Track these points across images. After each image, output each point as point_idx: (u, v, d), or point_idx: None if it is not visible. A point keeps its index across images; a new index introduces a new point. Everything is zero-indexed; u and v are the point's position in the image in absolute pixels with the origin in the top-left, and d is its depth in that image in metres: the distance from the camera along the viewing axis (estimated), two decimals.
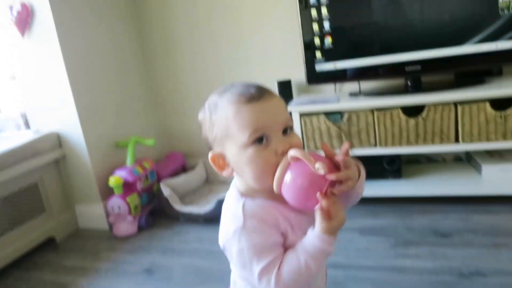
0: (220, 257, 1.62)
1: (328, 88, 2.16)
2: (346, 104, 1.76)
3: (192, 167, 2.39)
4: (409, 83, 1.83)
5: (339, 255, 1.51)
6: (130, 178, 1.96)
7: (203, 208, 1.91)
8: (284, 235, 0.66)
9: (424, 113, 1.65)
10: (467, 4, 1.68)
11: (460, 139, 1.64)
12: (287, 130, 0.66)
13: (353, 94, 1.89)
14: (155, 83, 2.51)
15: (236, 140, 0.64)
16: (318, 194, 0.60)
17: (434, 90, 1.69)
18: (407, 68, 1.76)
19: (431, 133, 1.66)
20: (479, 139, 1.61)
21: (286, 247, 0.66)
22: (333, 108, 1.77)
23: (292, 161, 0.61)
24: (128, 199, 1.93)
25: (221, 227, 0.71)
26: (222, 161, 0.69)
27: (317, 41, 1.86)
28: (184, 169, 2.44)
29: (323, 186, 0.60)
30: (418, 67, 1.75)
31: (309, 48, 1.87)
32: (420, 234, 1.58)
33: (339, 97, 1.89)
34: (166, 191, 2.02)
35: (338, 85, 2.13)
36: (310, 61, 1.89)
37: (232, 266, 0.77)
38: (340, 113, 1.79)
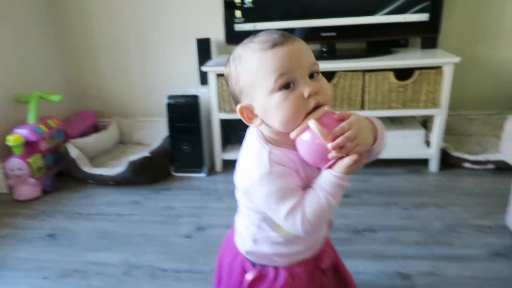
0: (128, 220, 1.61)
1: None
2: None
3: (105, 127, 2.27)
4: (324, 49, 1.86)
5: None
6: (32, 137, 1.81)
7: (113, 170, 1.84)
8: (302, 181, 0.69)
9: (335, 80, 1.70)
10: None
11: (365, 106, 1.73)
12: (313, 74, 0.66)
13: None
14: (66, 36, 2.29)
15: (263, 88, 0.65)
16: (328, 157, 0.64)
17: (346, 57, 1.74)
18: (323, 34, 1.79)
19: (340, 99, 1.73)
20: (382, 107, 1.71)
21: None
22: None
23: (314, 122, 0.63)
24: (30, 160, 1.79)
25: (243, 171, 0.73)
26: (250, 112, 0.69)
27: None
28: (96, 129, 2.32)
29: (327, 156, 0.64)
30: (334, 34, 1.78)
31: (229, 6, 1.82)
32: None
33: None
34: (73, 151, 1.90)
35: None
36: (229, 20, 1.84)
37: (244, 212, 0.80)
38: None
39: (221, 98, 1.81)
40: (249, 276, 0.79)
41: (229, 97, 1.80)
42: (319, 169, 0.70)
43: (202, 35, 2.06)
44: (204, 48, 2.04)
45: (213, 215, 1.59)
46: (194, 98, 1.81)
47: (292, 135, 0.66)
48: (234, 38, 1.86)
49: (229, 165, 1.98)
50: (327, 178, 0.67)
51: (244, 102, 0.69)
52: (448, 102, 1.70)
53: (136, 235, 1.49)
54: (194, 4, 2.12)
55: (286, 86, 0.64)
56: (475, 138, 2.05)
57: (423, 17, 1.71)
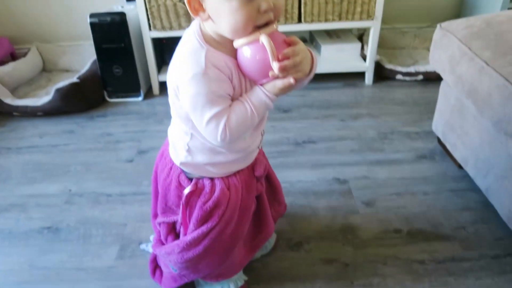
0: (64, 150, 1.53)
1: None
2: None
3: (23, 54, 2.05)
4: None
5: None
6: None
7: (40, 100, 1.70)
8: (233, 90, 0.68)
9: None
10: None
11: (302, 19, 1.69)
12: None
13: None
14: None
15: None
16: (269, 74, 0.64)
17: None
18: None
19: None
20: (319, 19, 1.69)
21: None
22: None
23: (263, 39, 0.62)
24: None
25: (176, 68, 0.69)
26: (198, 4, 0.64)
27: None
28: (13, 57, 2.08)
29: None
30: None
31: None
32: None
33: None
34: None
35: None
36: None
37: (177, 121, 0.78)
38: None
39: (151, 14, 1.68)
40: (186, 191, 0.79)
41: (160, 13, 1.68)
42: (251, 83, 0.70)
43: None
44: None
45: (154, 138, 1.56)
46: (120, 15, 1.66)
47: (237, 43, 0.64)
48: None
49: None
50: (258, 94, 0.68)
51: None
52: (382, 14, 1.71)
53: (74, 164, 1.44)
54: None
55: None
56: (407, 51, 2.13)
57: None
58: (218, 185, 0.80)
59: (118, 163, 1.43)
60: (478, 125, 1.13)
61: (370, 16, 1.69)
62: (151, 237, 1.08)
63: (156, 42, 1.84)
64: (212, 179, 0.80)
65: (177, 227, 0.89)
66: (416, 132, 1.53)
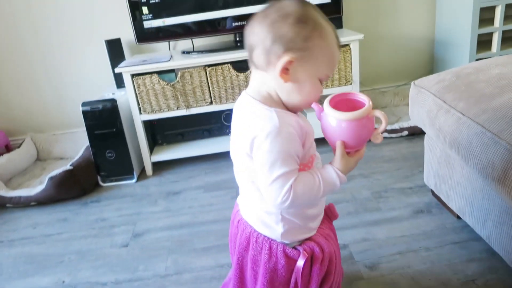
0: (57, 239, 1.50)
1: (163, 47, 2.10)
2: (178, 62, 1.73)
3: (18, 146, 2.10)
4: (237, 38, 1.88)
5: (184, 214, 1.54)
6: None
7: (33, 189, 1.70)
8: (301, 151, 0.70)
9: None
10: None
11: None
12: None
13: (186, 52, 1.86)
14: None
15: (318, 68, 0.69)
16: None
17: None
18: (234, 24, 1.80)
19: None
20: None
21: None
22: (164, 66, 1.71)
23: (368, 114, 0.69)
24: None
25: (251, 124, 0.69)
26: (286, 70, 0.67)
27: None
28: (8, 148, 2.13)
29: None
30: (244, 23, 1.80)
31: (134, 5, 1.76)
32: None
33: (172, 56, 1.84)
34: None
35: (172, 43, 2.07)
36: (137, 18, 1.78)
37: (255, 195, 0.75)
38: (174, 72, 1.76)
39: (141, 98, 1.75)
40: (301, 262, 0.74)
41: (149, 97, 1.75)
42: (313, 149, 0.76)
43: (112, 36, 1.98)
44: (115, 49, 1.96)
45: (149, 220, 1.54)
46: (112, 102, 1.73)
47: (349, 116, 0.68)
48: (144, 36, 1.81)
49: (160, 167, 1.93)
50: (329, 172, 0.71)
51: (293, 55, 0.66)
52: (359, 77, 1.80)
53: (68, 254, 1.40)
54: (99, 5, 2.03)
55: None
56: (389, 109, 2.20)
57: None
58: (322, 241, 0.78)
59: (113, 249, 1.40)
60: (466, 173, 1.14)
61: (348, 81, 1.78)
62: None
63: (147, 124, 1.90)
64: (310, 238, 0.78)
65: None
66: (409, 187, 1.53)
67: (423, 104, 1.24)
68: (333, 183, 0.70)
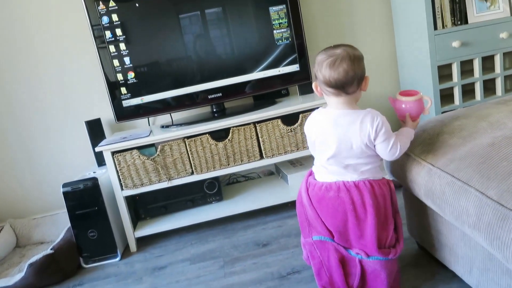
0: None
1: (143, 122, 2.15)
2: (157, 136, 1.77)
3: None
4: (214, 109, 1.95)
5: None
6: None
7: (12, 279, 1.63)
8: None
9: (229, 136, 1.78)
10: (250, 37, 1.90)
11: (264, 155, 1.82)
12: None
13: (165, 126, 1.92)
14: None
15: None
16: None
17: (236, 114, 1.85)
18: (210, 96, 1.88)
19: (239, 153, 1.80)
20: (279, 153, 1.82)
21: None
22: (144, 142, 1.75)
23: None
24: None
25: (371, 125, 1.10)
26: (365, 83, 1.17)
27: (120, 76, 1.83)
28: None
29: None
30: (219, 95, 1.89)
31: (113, 84, 1.83)
32: (245, 249, 1.68)
33: (151, 131, 1.89)
34: None
35: (152, 118, 2.13)
36: (116, 98, 1.85)
37: (356, 154, 1.13)
38: (154, 146, 1.79)
39: (122, 174, 1.77)
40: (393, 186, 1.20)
41: (130, 173, 1.77)
42: None
43: (92, 116, 2.03)
44: (95, 129, 2.00)
45: None
46: (93, 180, 1.73)
47: (408, 99, 1.23)
48: (124, 114, 1.87)
49: (144, 242, 1.89)
50: (407, 130, 1.21)
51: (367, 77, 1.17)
52: None
53: None
54: (78, 87, 2.10)
55: None
56: None
57: (294, 67, 1.91)
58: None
59: None
60: (445, 222, 1.16)
61: None
62: None
63: (130, 199, 1.89)
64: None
65: None
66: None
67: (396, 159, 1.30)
68: (411, 135, 1.21)
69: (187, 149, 1.78)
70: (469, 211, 0.93)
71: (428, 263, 1.36)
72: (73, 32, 2.04)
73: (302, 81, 1.96)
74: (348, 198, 1.12)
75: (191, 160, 1.79)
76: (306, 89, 2.08)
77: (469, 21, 2.08)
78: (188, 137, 1.77)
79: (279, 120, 1.79)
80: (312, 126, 1.20)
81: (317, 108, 1.80)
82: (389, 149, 1.11)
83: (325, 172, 1.17)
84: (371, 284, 1.19)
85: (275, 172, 2.25)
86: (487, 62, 2.10)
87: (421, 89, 2.11)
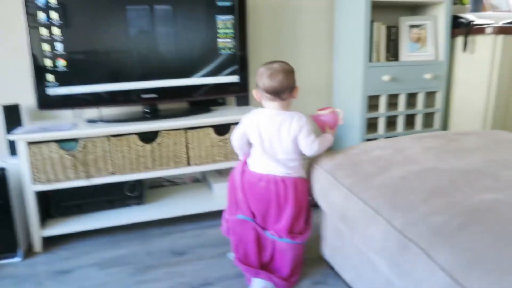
0: None
1: (69, 114, 2.02)
2: (81, 131, 1.67)
3: None
4: (146, 110, 1.89)
5: None
6: None
7: None
8: None
9: (159, 139, 1.73)
10: (194, 42, 1.87)
11: (191, 162, 1.79)
12: None
13: (92, 121, 1.81)
14: None
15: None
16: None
17: (168, 117, 1.80)
18: (144, 96, 1.82)
19: (166, 157, 1.75)
20: (207, 161, 1.80)
21: None
22: (65, 135, 1.64)
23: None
24: None
25: (297, 123, 1.33)
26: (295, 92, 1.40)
27: (49, 63, 1.70)
28: None
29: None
30: (154, 95, 1.83)
31: (39, 70, 1.70)
32: (159, 257, 1.62)
33: (75, 124, 1.78)
34: None
35: (78, 111, 2.01)
36: (41, 84, 1.71)
37: (289, 158, 1.36)
38: (76, 141, 1.68)
39: (35, 167, 1.63)
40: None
41: (45, 166, 1.64)
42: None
43: (11, 101, 1.86)
44: (13, 115, 1.84)
45: None
46: (0, 170, 1.58)
47: (324, 112, 1.47)
48: (48, 103, 1.74)
49: (53, 242, 1.75)
50: (327, 135, 1.43)
51: (297, 88, 1.40)
52: None
53: None
54: None
55: None
56: None
57: (234, 78, 1.91)
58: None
59: None
60: (355, 246, 1.21)
61: None
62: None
63: (42, 195, 1.75)
64: None
65: None
66: (309, 258, 1.57)
67: (318, 179, 1.34)
68: (329, 139, 1.43)
69: (111, 148, 1.69)
70: (376, 238, 0.97)
71: (335, 283, 1.41)
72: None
73: (241, 93, 1.96)
74: (275, 190, 1.34)
75: (114, 159, 1.70)
76: (244, 101, 2.09)
77: (400, 59, 2.24)
78: (114, 136, 1.69)
79: (211, 129, 1.78)
80: (251, 121, 1.40)
81: None
82: (310, 144, 1.34)
83: (260, 163, 1.38)
84: (278, 262, 1.41)
85: (201, 180, 2.22)
86: (411, 98, 2.26)
87: (350, 115, 2.22)
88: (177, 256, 1.62)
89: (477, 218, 0.86)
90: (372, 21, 2.08)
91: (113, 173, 1.73)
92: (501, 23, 2.26)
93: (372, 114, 2.14)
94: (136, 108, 1.98)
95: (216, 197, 1.97)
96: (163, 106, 1.98)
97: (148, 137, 1.73)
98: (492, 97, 2.08)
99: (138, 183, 1.86)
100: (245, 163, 1.44)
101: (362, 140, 2.12)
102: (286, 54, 2.32)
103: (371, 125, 2.21)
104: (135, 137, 1.70)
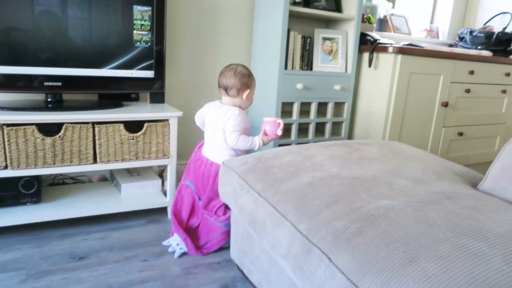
0: None
1: None
2: None
3: None
4: (49, 99, 1.73)
5: None
6: None
7: None
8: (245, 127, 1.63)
9: (61, 132, 1.59)
10: (107, 30, 1.75)
11: (98, 159, 1.68)
12: None
13: None
14: None
15: (253, 92, 1.66)
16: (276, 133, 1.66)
17: (75, 109, 1.67)
18: (47, 83, 1.67)
19: (70, 153, 1.62)
20: (116, 159, 1.71)
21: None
22: None
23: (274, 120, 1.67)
24: None
25: (227, 114, 1.58)
26: (243, 93, 1.62)
27: None
28: None
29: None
30: (58, 84, 1.68)
31: None
32: (56, 261, 1.49)
33: None
34: None
35: None
36: None
37: (220, 144, 1.61)
38: None
39: None
40: None
41: None
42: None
43: None
44: None
45: None
46: None
47: (268, 119, 1.65)
48: None
49: None
50: (256, 139, 1.61)
51: (247, 90, 1.62)
52: (178, 151, 1.85)
53: None
54: None
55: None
56: None
57: (149, 74, 1.84)
58: None
59: None
60: (263, 250, 1.24)
61: (165, 154, 1.80)
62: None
63: None
64: None
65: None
66: (218, 262, 1.57)
67: (230, 183, 1.34)
68: (255, 140, 1.61)
69: (4, 139, 1.52)
70: (282, 242, 1.01)
71: (243, 286, 1.43)
72: None
73: (155, 89, 1.89)
74: (203, 171, 1.61)
75: (7, 152, 1.53)
76: (159, 98, 2.03)
77: (314, 69, 2.35)
78: (9, 125, 1.52)
79: (122, 125, 1.69)
80: (207, 107, 1.68)
81: (167, 119, 1.79)
82: (228, 134, 1.57)
83: (204, 146, 1.67)
84: (200, 231, 1.66)
85: (109, 179, 2.10)
86: (322, 107, 2.39)
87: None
88: (77, 261, 1.51)
89: (372, 223, 0.93)
90: (289, 30, 2.16)
91: (5, 167, 1.55)
92: (401, 44, 2.50)
93: (286, 121, 2.22)
94: (38, 96, 1.81)
95: (124, 198, 1.87)
96: (69, 96, 1.84)
97: (49, 129, 1.59)
98: (391, 109, 2.29)
99: (36, 179, 1.70)
100: (201, 143, 1.73)
101: (275, 145, 2.19)
102: (206, 53, 2.31)
103: (285, 131, 2.28)
104: (34, 128, 1.55)
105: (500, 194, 1.18)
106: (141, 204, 1.85)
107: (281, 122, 1.63)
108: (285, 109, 2.27)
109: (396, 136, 2.37)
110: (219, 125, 1.58)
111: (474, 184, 1.30)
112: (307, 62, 2.38)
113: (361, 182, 1.15)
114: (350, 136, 2.55)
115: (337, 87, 2.32)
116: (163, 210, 1.94)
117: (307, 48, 2.36)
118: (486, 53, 2.76)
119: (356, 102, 2.50)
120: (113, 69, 1.77)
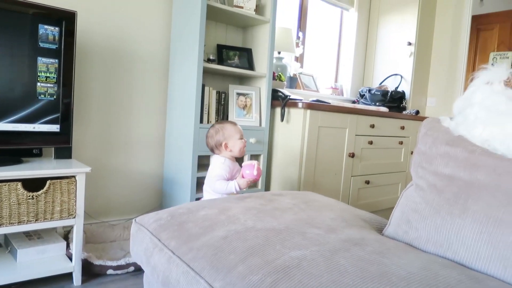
0: None
1: None
2: None
3: None
4: None
5: None
6: None
7: None
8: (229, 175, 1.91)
9: None
10: (9, 81, 1.64)
11: None
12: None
13: None
14: None
15: (235, 141, 1.92)
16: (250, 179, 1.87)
17: None
18: None
19: None
20: (11, 222, 1.53)
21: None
22: None
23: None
24: None
25: (212, 163, 1.93)
26: (227, 146, 1.89)
27: None
28: None
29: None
30: None
31: None
32: None
33: None
34: None
35: None
36: None
37: (207, 190, 1.92)
38: None
39: None
40: None
41: None
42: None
43: None
44: None
45: None
46: None
47: (245, 163, 1.85)
48: None
49: None
50: (232, 184, 1.82)
51: (226, 143, 1.90)
52: (84, 210, 1.72)
53: None
54: None
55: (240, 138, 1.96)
56: (117, 243, 2.14)
57: (54, 128, 1.73)
58: None
59: None
60: None
61: (71, 214, 1.66)
62: None
63: None
64: None
65: None
66: None
67: (141, 241, 1.27)
68: (231, 187, 1.81)
69: None
70: None
71: None
72: None
73: (60, 144, 1.78)
74: None
75: None
76: (65, 153, 1.90)
77: None
78: None
79: (19, 184, 1.53)
80: None
81: (73, 175, 1.66)
82: (209, 179, 1.86)
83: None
84: None
85: (2, 245, 1.86)
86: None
87: (181, 173, 2.24)
88: None
89: (287, 275, 0.93)
90: (203, 85, 2.21)
91: None
92: (310, 100, 2.68)
93: (202, 173, 2.20)
94: None
95: (20, 265, 1.66)
96: None
97: None
98: (303, 160, 2.40)
99: None
100: None
101: (192, 199, 2.14)
102: (120, 105, 2.25)
103: (200, 184, 2.26)
104: None
105: (402, 238, 1.27)
106: (41, 271, 1.65)
107: (256, 163, 1.83)
108: (202, 162, 2.26)
109: (311, 186, 2.47)
110: (209, 173, 1.89)
111: (380, 230, 1.38)
112: (222, 116, 2.43)
113: (276, 233, 1.16)
114: (267, 187, 2.60)
115: (252, 140, 2.38)
116: (68, 276, 1.75)
117: (222, 102, 2.42)
118: (384, 109, 3.07)
119: (272, 154, 2.58)
120: (12, 122, 1.63)
